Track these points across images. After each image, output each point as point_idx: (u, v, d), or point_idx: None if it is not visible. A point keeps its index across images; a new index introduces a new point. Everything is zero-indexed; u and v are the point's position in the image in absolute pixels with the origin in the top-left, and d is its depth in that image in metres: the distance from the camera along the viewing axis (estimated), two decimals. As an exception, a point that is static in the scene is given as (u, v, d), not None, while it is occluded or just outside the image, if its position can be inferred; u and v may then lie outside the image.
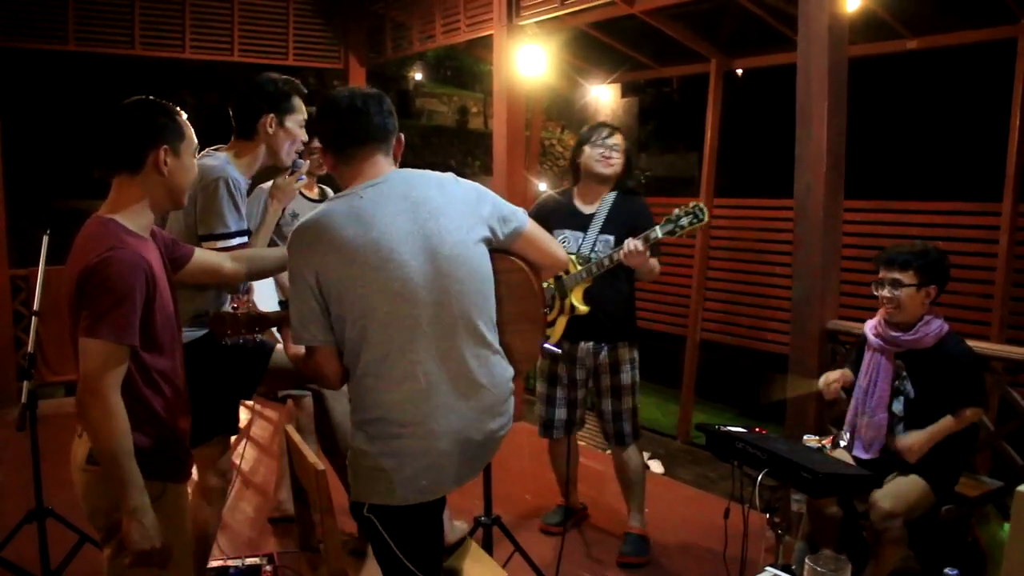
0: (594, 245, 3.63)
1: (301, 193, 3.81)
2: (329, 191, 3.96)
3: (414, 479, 2.07)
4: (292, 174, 2.94)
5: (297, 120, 2.84)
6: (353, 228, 2.03)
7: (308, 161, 2.99)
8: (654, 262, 3.58)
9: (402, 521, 2.10)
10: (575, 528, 4.06)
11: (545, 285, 3.54)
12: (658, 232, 3.38)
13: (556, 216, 3.73)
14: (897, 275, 3.07)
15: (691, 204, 3.39)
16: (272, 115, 2.78)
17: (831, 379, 3.36)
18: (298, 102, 2.85)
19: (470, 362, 2.10)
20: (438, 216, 2.09)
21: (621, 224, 3.63)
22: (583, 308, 3.58)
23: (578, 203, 3.75)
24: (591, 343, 3.69)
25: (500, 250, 2.22)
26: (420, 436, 2.06)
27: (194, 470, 2.86)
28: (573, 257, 3.57)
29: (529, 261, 2.27)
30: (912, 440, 3.03)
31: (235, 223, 2.69)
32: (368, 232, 2.03)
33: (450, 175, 2.22)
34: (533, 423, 4.31)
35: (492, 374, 2.15)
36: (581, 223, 3.69)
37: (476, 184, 2.25)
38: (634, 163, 3.81)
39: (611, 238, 3.61)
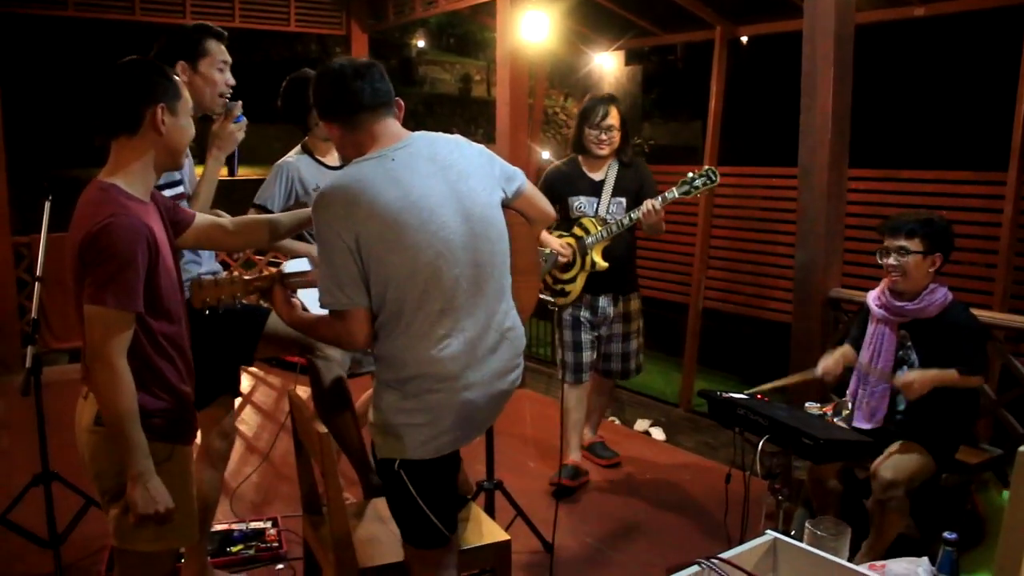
0: (608, 207, 4.01)
1: (321, 163, 3.69)
2: None
3: (449, 431, 2.16)
4: (226, 118, 2.81)
5: (213, 63, 2.75)
6: (392, 191, 2.07)
7: (240, 102, 2.85)
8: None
9: (429, 474, 2.17)
10: (577, 492, 4.09)
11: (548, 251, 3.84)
12: (675, 192, 3.79)
13: (569, 184, 4.10)
14: (903, 243, 3.06)
15: (704, 168, 3.79)
16: (184, 61, 2.71)
17: (828, 367, 3.25)
18: (213, 44, 2.76)
19: (498, 316, 2.22)
20: (466, 179, 2.17)
21: (630, 186, 4.04)
22: (603, 264, 3.96)
23: (586, 171, 4.09)
24: (610, 295, 4.11)
25: (503, 206, 2.32)
26: (456, 390, 2.13)
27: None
28: (594, 219, 3.97)
29: (526, 216, 2.41)
30: (915, 375, 2.96)
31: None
32: (408, 195, 2.08)
33: (459, 137, 2.31)
34: (535, 390, 4.34)
35: (514, 327, 2.28)
36: (593, 189, 4.05)
37: (482, 146, 2.33)
38: (631, 131, 4.19)
39: (623, 200, 4.03)
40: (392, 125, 2.21)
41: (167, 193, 2.61)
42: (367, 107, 2.16)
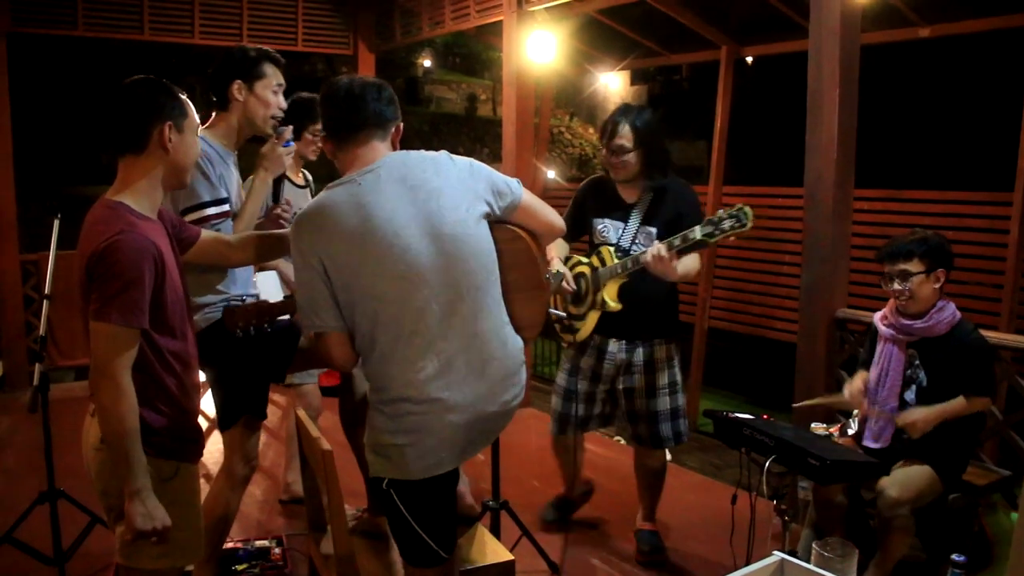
0: (635, 237, 3.38)
1: (287, 178, 3.77)
2: (310, 176, 4.01)
3: (432, 452, 2.12)
4: (277, 140, 2.89)
5: (268, 85, 2.82)
6: (355, 216, 2.07)
7: (291, 127, 2.93)
8: (691, 261, 3.26)
9: (419, 494, 2.15)
10: (584, 506, 4.06)
11: (554, 268, 3.33)
12: (697, 233, 3.07)
13: (598, 203, 3.49)
14: (903, 266, 3.05)
15: (736, 206, 3.06)
16: (240, 81, 2.77)
17: (855, 389, 3.25)
18: (270, 68, 2.83)
19: (481, 337, 2.15)
20: (437, 197, 2.13)
21: (664, 215, 3.36)
22: (614, 305, 3.30)
23: (621, 192, 3.45)
24: (623, 341, 3.44)
25: (499, 221, 2.26)
26: (437, 412, 2.11)
27: (220, 453, 2.89)
28: (611, 249, 3.34)
29: (528, 229, 2.31)
30: (918, 415, 2.99)
31: (208, 192, 2.68)
32: (370, 219, 2.07)
33: (443, 153, 2.26)
34: (542, 409, 4.32)
35: (503, 346, 2.20)
36: (623, 212, 3.42)
37: (470, 160, 2.28)
38: (655, 144, 3.38)
39: (653, 230, 3.35)
40: (375, 149, 2.18)
41: (212, 211, 2.66)
42: (353, 129, 2.17)
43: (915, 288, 3.04)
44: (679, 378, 3.54)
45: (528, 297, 2.30)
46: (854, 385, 3.29)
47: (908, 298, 3.06)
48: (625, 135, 3.32)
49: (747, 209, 3.02)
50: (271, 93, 2.83)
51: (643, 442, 3.55)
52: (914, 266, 3.03)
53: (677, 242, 3.09)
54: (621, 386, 3.49)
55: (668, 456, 3.75)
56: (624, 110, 3.41)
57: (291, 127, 2.93)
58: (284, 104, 2.89)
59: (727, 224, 3.03)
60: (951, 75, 12.08)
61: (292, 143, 2.92)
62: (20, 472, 4.43)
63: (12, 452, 4.86)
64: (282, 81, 2.88)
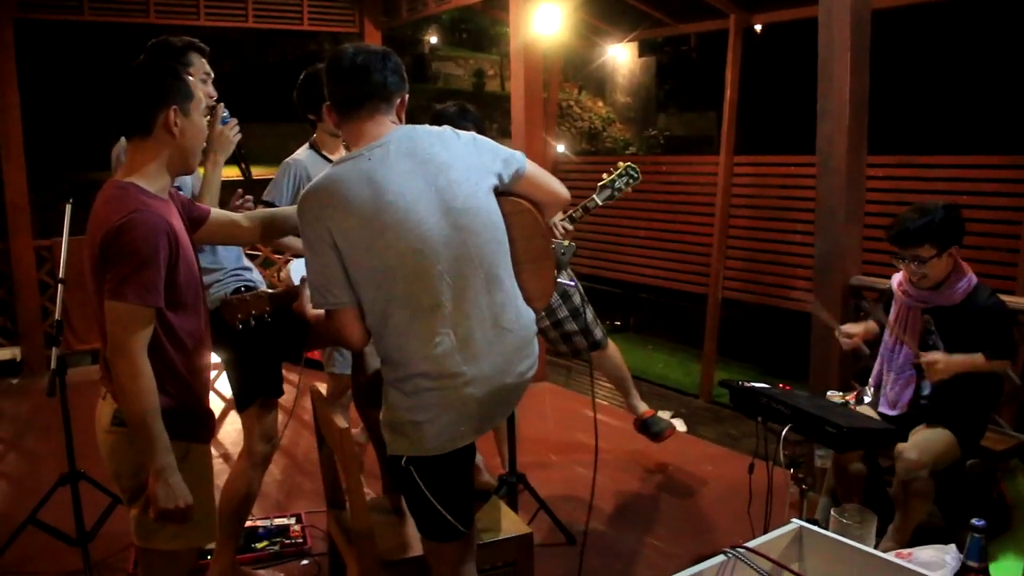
0: None
1: (328, 159, 3.74)
2: None
3: (450, 427, 2.12)
4: (213, 122, 2.84)
5: (195, 75, 2.81)
6: (366, 191, 2.05)
7: (222, 104, 2.89)
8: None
9: (438, 469, 2.15)
10: (603, 479, 4.07)
11: None
12: (597, 201, 3.43)
13: None
14: (914, 251, 3.03)
15: (623, 165, 3.44)
16: None
17: (851, 331, 3.29)
18: (194, 57, 2.84)
19: (495, 310, 2.14)
20: (447, 171, 2.11)
21: None
22: None
23: None
24: None
25: (503, 193, 2.24)
26: (454, 387, 2.10)
27: (239, 434, 2.91)
28: None
29: (532, 200, 2.28)
30: (940, 356, 2.96)
31: None
32: (382, 194, 2.05)
33: (447, 128, 2.23)
34: (557, 383, 4.32)
35: (517, 318, 2.19)
36: None
37: (472, 134, 2.26)
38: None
39: None
40: (380, 123, 2.16)
41: None
42: (356, 102, 2.15)
43: (930, 271, 3.03)
44: (582, 290, 3.83)
45: (536, 268, 2.28)
46: (851, 327, 3.31)
47: (922, 276, 3.05)
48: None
49: (635, 165, 3.44)
50: (199, 82, 2.82)
51: (584, 352, 3.94)
52: (926, 251, 3.00)
53: (579, 214, 3.39)
54: (547, 322, 3.79)
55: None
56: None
57: (221, 103, 2.89)
58: (213, 92, 2.88)
59: (621, 183, 3.44)
60: (965, 38, 11.94)
61: (230, 119, 2.89)
62: (41, 455, 4.48)
63: (33, 435, 4.92)
64: (209, 70, 2.88)
